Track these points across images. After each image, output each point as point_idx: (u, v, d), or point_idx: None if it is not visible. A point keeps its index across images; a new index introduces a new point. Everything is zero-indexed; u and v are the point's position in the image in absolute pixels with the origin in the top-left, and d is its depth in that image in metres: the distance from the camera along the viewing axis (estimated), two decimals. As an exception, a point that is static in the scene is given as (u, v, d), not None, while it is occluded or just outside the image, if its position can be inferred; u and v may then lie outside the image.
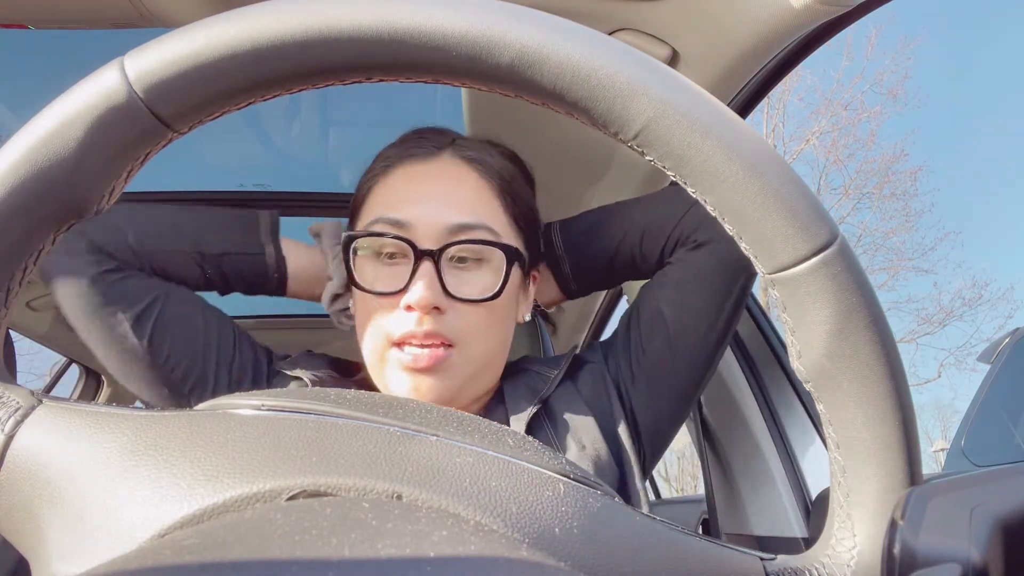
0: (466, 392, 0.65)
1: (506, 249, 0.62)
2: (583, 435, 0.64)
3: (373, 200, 0.66)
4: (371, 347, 0.63)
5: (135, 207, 0.68)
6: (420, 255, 0.60)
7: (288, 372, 0.69)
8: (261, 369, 0.70)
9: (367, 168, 0.70)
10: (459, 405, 0.66)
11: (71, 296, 0.64)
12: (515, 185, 0.68)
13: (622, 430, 0.66)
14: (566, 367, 0.70)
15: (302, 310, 1.85)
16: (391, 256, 0.63)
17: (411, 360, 0.60)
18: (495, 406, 0.69)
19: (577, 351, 0.74)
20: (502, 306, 0.64)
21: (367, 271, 0.63)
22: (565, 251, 0.73)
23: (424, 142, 0.67)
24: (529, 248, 0.69)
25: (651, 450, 0.70)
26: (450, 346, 0.61)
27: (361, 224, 0.65)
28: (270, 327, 1.87)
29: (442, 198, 0.63)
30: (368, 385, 0.67)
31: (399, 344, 0.61)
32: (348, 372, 0.73)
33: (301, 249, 0.75)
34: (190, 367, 0.66)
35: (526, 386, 0.69)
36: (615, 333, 0.74)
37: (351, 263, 0.63)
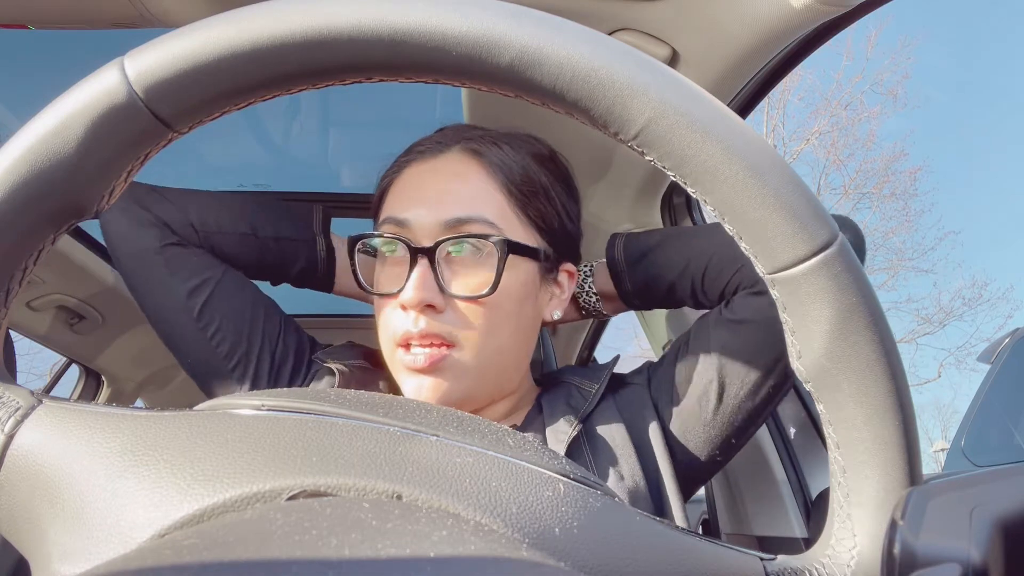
0: (477, 394, 0.63)
1: (500, 242, 0.60)
2: (623, 464, 0.62)
3: (386, 200, 0.67)
4: (383, 349, 0.65)
5: (195, 191, 0.72)
6: (415, 253, 0.60)
7: (322, 361, 0.70)
8: (303, 356, 0.72)
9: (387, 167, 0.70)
10: (482, 411, 0.66)
11: (133, 264, 0.67)
12: (529, 177, 0.65)
13: (662, 461, 0.63)
14: (607, 382, 0.68)
15: (314, 310, 1.85)
16: (392, 251, 0.64)
17: (412, 360, 0.60)
18: (532, 418, 0.67)
19: (617, 363, 0.72)
20: (506, 303, 0.61)
21: (376, 272, 0.65)
22: (625, 265, 0.72)
23: (439, 136, 0.68)
24: (555, 245, 0.67)
25: (688, 485, 0.66)
26: (451, 345, 0.60)
27: (377, 224, 0.67)
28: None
29: (441, 194, 0.62)
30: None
31: (404, 345, 0.61)
32: (383, 364, 0.72)
33: None
34: (236, 343, 0.68)
35: (566, 402, 0.66)
36: (663, 358, 0.70)
37: (355, 264, 0.64)
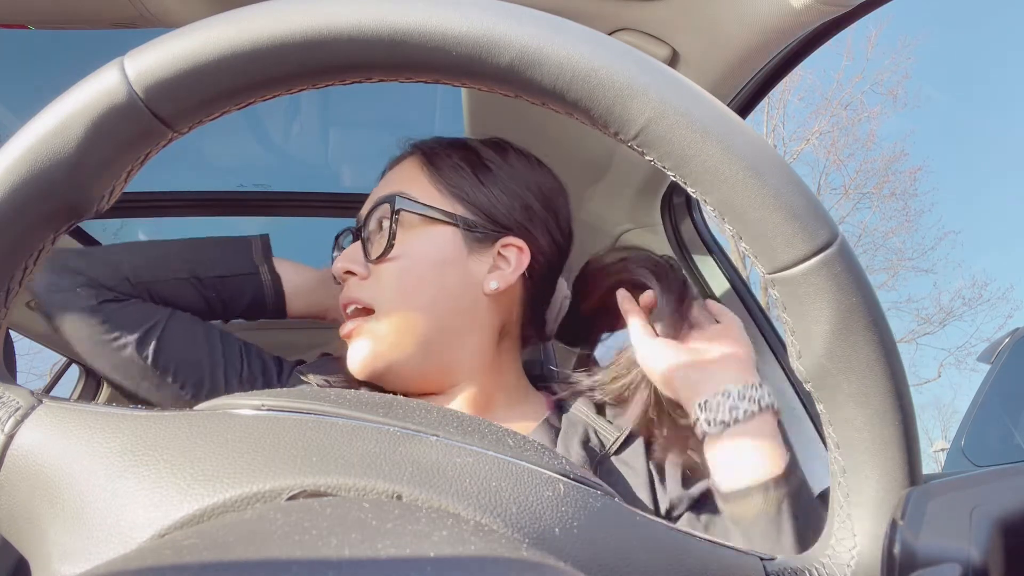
0: (403, 365, 0.64)
1: (386, 200, 0.65)
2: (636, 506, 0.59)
3: None
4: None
5: (127, 244, 0.73)
6: (355, 235, 0.69)
7: (303, 378, 0.71)
8: (272, 378, 0.72)
9: None
10: (446, 393, 0.67)
11: (75, 329, 0.66)
12: (453, 154, 0.68)
13: (667, 513, 0.60)
14: (628, 433, 0.64)
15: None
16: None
17: (343, 328, 0.66)
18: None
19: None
20: (417, 266, 0.64)
21: None
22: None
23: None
24: (492, 217, 0.67)
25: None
26: (370, 311, 0.64)
27: None
28: (271, 327, 1.87)
29: (382, 183, 0.70)
30: (379, 388, 0.68)
31: (345, 315, 0.67)
32: None
33: (297, 268, 0.76)
34: (199, 382, 0.68)
35: (581, 444, 0.62)
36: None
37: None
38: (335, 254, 0.72)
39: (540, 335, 0.77)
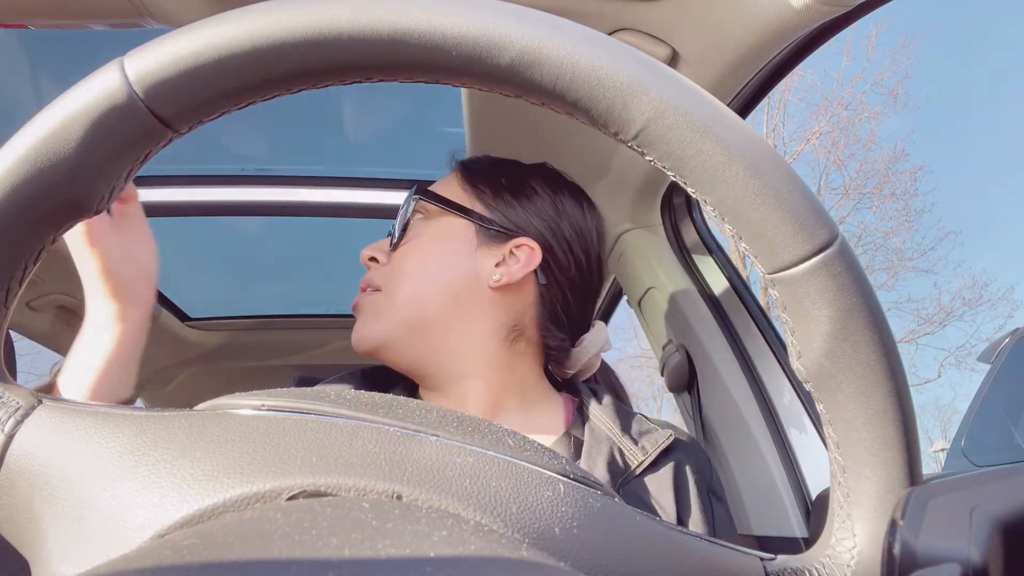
0: (397, 342, 0.67)
1: (413, 188, 0.71)
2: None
3: None
4: None
5: None
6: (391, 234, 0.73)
7: None
8: None
9: None
10: (449, 387, 0.68)
11: None
12: (487, 161, 0.75)
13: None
14: (653, 458, 0.63)
15: (313, 310, 1.85)
16: None
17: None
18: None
19: (673, 439, 0.66)
20: (422, 249, 0.68)
21: None
22: None
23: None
24: (511, 217, 0.69)
25: None
26: (379, 290, 0.69)
27: None
28: (272, 327, 1.87)
29: None
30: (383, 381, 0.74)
31: None
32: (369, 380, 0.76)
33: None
34: None
35: (606, 466, 0.61)
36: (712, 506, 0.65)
37: None
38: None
39: (560, 358, 0.74)
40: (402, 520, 0.21)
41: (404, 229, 0.70)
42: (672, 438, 0.65)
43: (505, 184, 0.71)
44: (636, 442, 0.64)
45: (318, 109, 1.41)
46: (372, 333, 0.67)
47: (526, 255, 0.68)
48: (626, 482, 0.61)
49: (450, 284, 0.67)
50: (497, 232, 0.69)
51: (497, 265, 0.68)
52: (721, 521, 0.64)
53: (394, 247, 0.70)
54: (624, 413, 0.68)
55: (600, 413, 0.67)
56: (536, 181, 0.72)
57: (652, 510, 0.60)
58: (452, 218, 0.69)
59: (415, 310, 0.66)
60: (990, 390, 2.63)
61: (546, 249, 0.69)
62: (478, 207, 0.70)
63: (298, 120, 1.46)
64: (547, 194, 0.71)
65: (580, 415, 0.69)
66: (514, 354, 0.69)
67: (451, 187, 0.72)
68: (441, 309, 0.66)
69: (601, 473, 0.61)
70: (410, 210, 0.70)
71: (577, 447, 0.64)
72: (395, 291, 0.67)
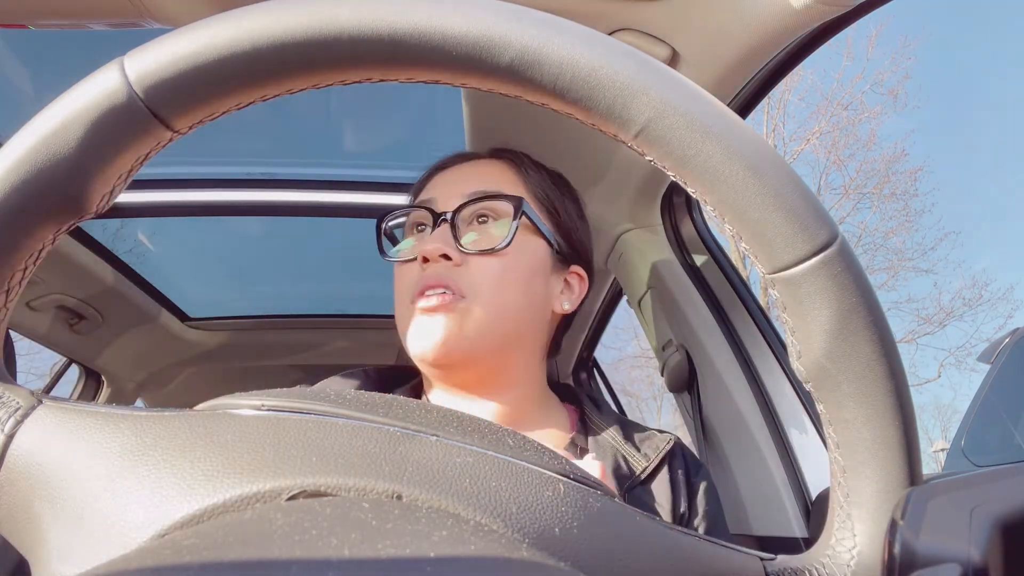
0: (477, 355, 0.64)
1: (516, 199, 0.65)
2: None
3: (415, 196, 0.73)
4: (399, 313, 0.67)
5: None
6: (436, 217, 0.66)
7: None
8: None
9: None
10: (488, 395, 0.66)
11: None
12: (547, 179, 0.72)
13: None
14: (656, 464, 0.65)
15: (314, 310, 1.85)
16: (420, 228, 0.70)
17: (426, 303, 0.62)
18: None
19: (673, 443, 0.68)
20: (517, 266, 0.65)
21: (400, 247, 0.70)
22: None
23: (467, 153, 0.75)
24: (569, 243, 0.71)
25: None
26: (463, 296, 0.63)
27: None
28: (267, 327, 1.87)
29: (468, 176, 0.70)
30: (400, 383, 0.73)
31: (420, 294, 0.63)
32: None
33: None
34: None
35: (612, 472, 0.63)
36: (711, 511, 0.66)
37: (381, 242, 0.70)
38: (387, 239, 0.72)
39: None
40: (402, 520, 0.21)
41: (511, 239, 0.64)
42: (672, 442, 0.68)
43: (575, 210, 0.73)
44: (638, 449, 0.66)
45: (318, 110, 1.42)
46: (457, 340, 0.62)
47: (578, 283, 0.72)
48: (632, 488, 0.62)
49: (529, 306, 0.67)
50: (563, 257, 0.71)
51: (561, 292, 0.70)
52: (717, 523, 0.65)
53: (483, 251, 0.64)
54: (623, 421, 0.71)
55: (602, 422, 0.69)
56: (579, 203, 0.75)
57: (657, 514, 0.61)
58: (537, 237, 0.68)
59: (500, 327, 0.64)
60: (990, 390, 2.63)
61: (589, 275, 0.73)
62: (550, 227, 0.70)
63: (298, 120, 1.46)
64: (585, 219, 0.74)
65: (583, 424, 0.70)
66: (542, 370, 0.72)
67: (523, 193, 0.68)
68: (518, 328, 0.66)
69: (608, 481, 0.61)
70: (519, 223, 0.64)
71: (583, 456, 0.65)
72: (485, 304, 0.63)
